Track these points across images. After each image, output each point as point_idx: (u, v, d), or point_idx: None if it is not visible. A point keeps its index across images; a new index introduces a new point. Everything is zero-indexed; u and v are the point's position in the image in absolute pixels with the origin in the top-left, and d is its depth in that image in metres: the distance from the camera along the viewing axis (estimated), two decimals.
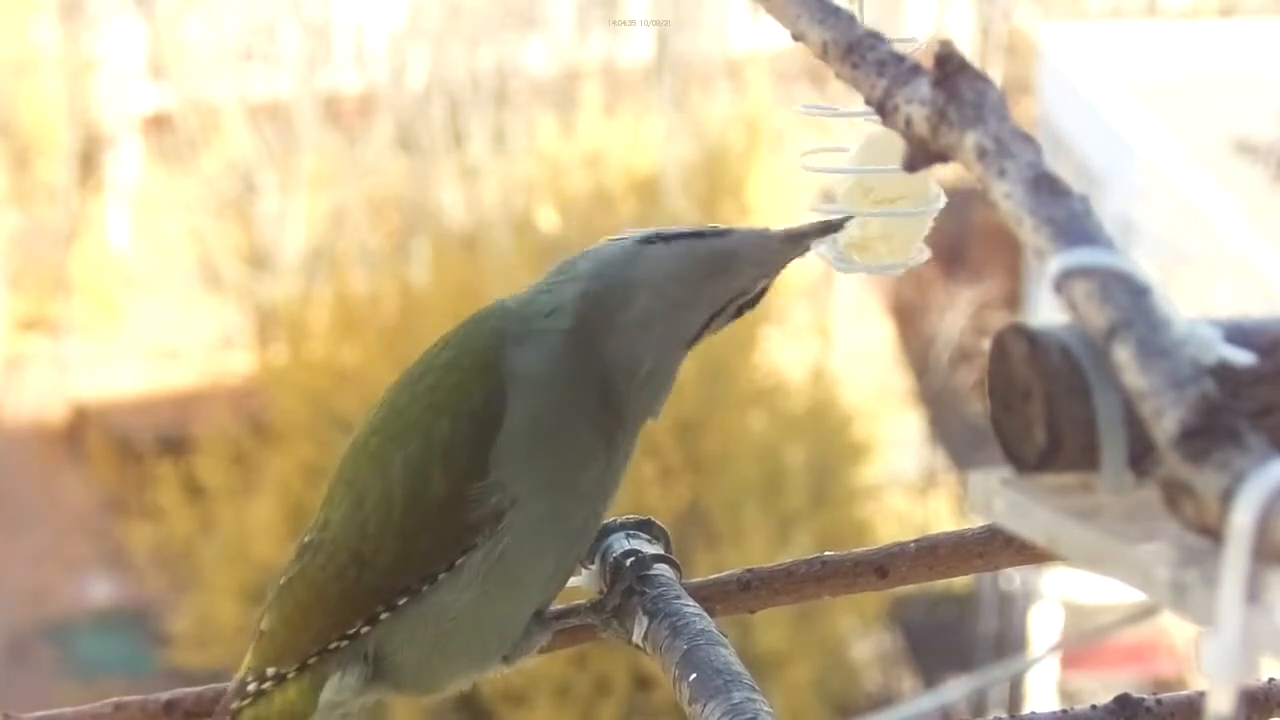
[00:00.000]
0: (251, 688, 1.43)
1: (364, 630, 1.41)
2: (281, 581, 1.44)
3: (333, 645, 1.41)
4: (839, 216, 1.39)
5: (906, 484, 13.88)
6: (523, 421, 1.37)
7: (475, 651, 1.43)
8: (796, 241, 1.39)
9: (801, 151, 1.44)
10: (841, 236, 1.41)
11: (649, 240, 1.40)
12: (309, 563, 1.42)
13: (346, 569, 1.40)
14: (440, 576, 1.39)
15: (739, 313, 1.43)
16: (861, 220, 1.40)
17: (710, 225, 1.42)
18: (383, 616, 1.40)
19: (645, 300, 1.39)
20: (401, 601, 1.40)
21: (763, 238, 1.40)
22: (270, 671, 1.43)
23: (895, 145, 1.36)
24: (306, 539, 1.43)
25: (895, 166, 1.36)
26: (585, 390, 1.39)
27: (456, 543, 1.38)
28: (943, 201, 1.41)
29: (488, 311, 1.42)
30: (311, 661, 1.42)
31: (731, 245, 1.40)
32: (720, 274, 1.39)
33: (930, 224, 1.41)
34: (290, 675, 1.43)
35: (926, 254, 1.42)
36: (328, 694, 1.43)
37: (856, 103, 1.38)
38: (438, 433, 1.38)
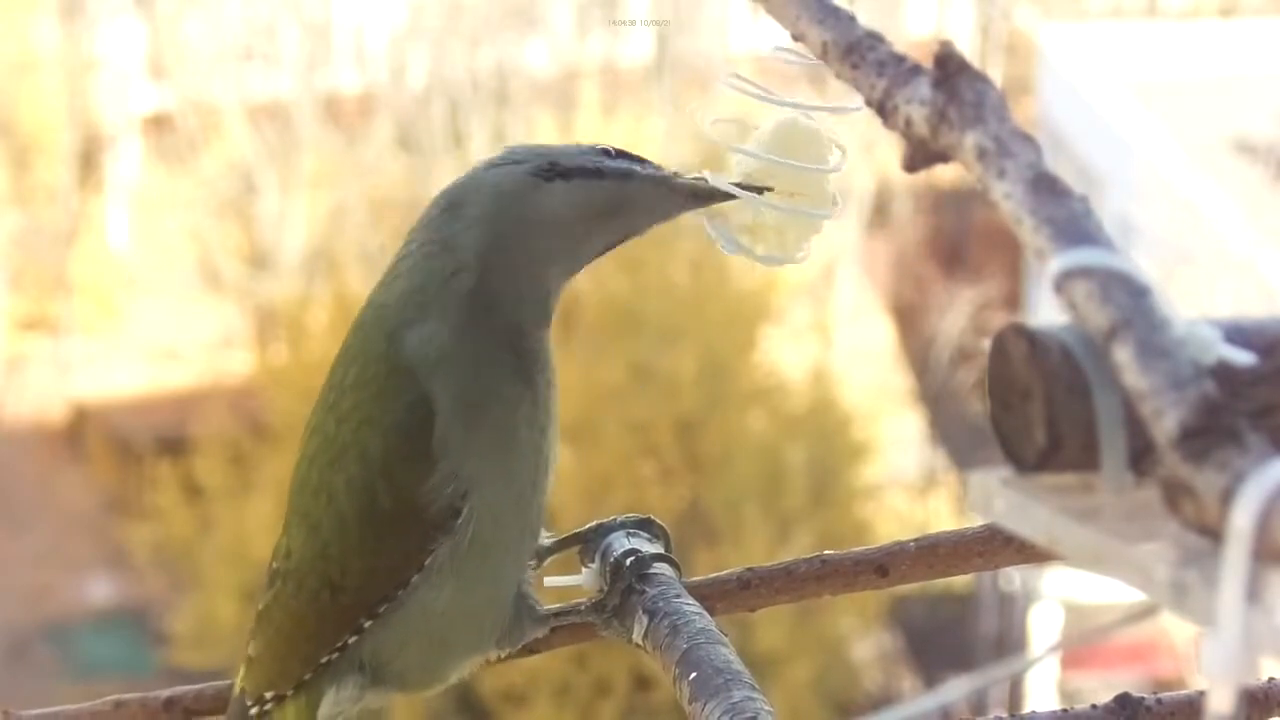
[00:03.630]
0: (254, 712, 1.43)
1: (352, 641, 1.41)
2: (260, 608, 1.44)
3: (324, 661, 1.41)
4: (740, 193, 1.37)
5: (906, 484, 13.88)
6: (450, 401, 1.36)
7: (469, 638, 1.43)
8: (698, 199, 1.39)
9: (713, 119, 1.42)
10: (735, 216, 1.39)
11: (544, 172, 1.38)
12: (280, 590, 1.42)
13: (319, 593, 1.40)
14: (414, 579, 1.39)
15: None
16: (758, 207, 1.38)
17: (604, 151, 1.40)
18: (367, 625, 1.40)
19: (547, 239, 1.38)
20: (382, 609, 1.40)
21: (664, 188, 1.39)
22: (268, 695, 1.43)
23: (806, 139, 1.38)
24: (274, 565, 1.43)
25: (800, 162, 1.37)
26: (487, 342, 1.37)
27: (421, 545, 1.38)
28: (838, 209, 1.40)
29: (366, 316, 1.40)
30: (306, 680, 1.42)
31: (632, 192, 1.38)
32: (618, 216, 1.39)
33: (821, 228, 1.40)
34: (287, 696, 1.43)
35: (807, 256, 1.41)
36: (325, 708, 1.43)
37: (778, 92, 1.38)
38: (372, 450, 1.37)
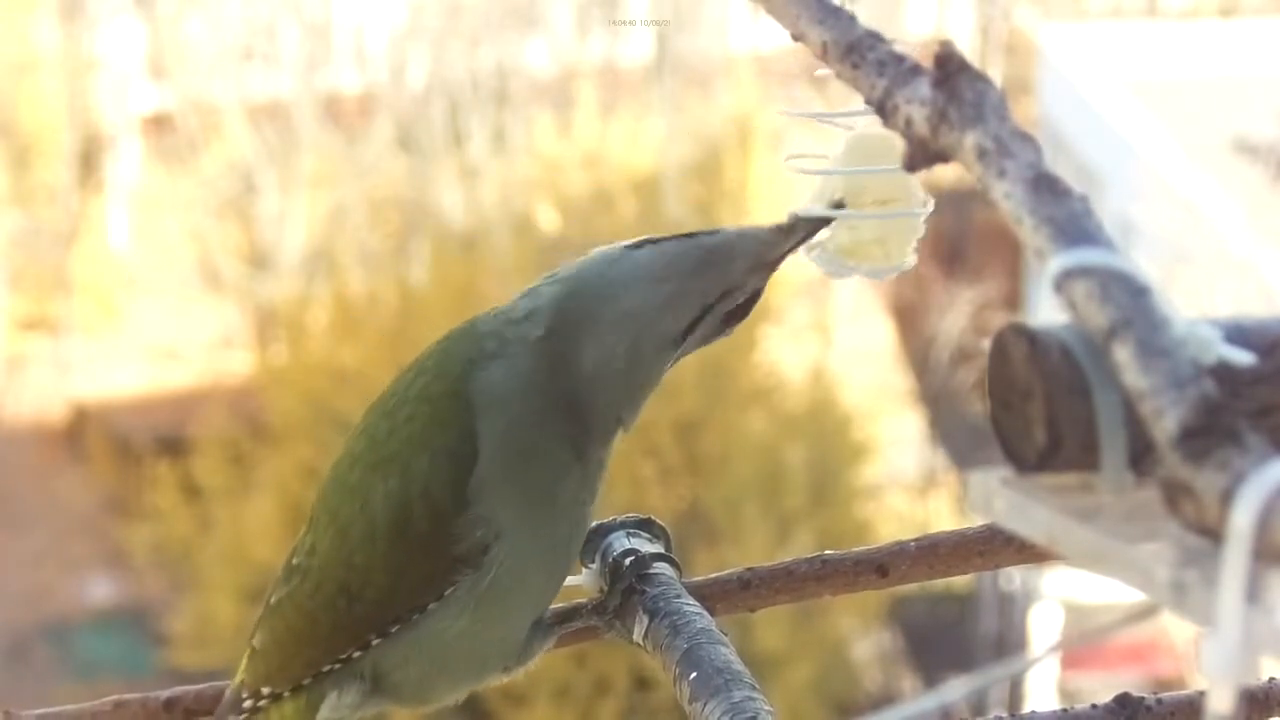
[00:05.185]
0: (247, 704, 1.43)
1: (357, 654, 1.41)
2: (272, 601, 1.43)
3: (327, 668, 1.41)
4: (832, 213, 1.37)
5: (906, 484, 13.88)
6: (495, 449, 1.36)
7: (474, 668, 1.43)
8: (787, 236, 1.37)
9: (786, 156, 1.41)
10: (832, 241, 1.38)
11: (638, 245, 1.38)
12: (298, 588, 1.41)
13: (335, 599, 1.39)
14: (430, 606, 1.38)
15: (730, 320, 1.40)
16: (853, 224, 1.37)
17: (702, 229, 1.40)
18: (375, 642, 1.40)
19: (625, 298, 1.36)
20: (394, 629, 1.39)
21: (752, 232, 1.38)
22: (265, 690, 1.42)
23: (881, 146, 1.36)
24: (295, 561, 1.42)
25: (883, 167, 1.36)
26: (551, 403, 1.36)
27: (443, 575, 1.37)
28: (931, 203, 1.39)
29: (462, 331, 1.40)
30: (307, 682, 1.42)
31: (720, 241, 1.37)
32: (708, 269, 1.36)
33: (923, 226, 1.39)
34: (286, 693, 1.42)
35: (914, 258, 1.40)
36: (325, 712, 1.42)
37: (848, 105, 1.37)
38: (416, 469, 1.36)
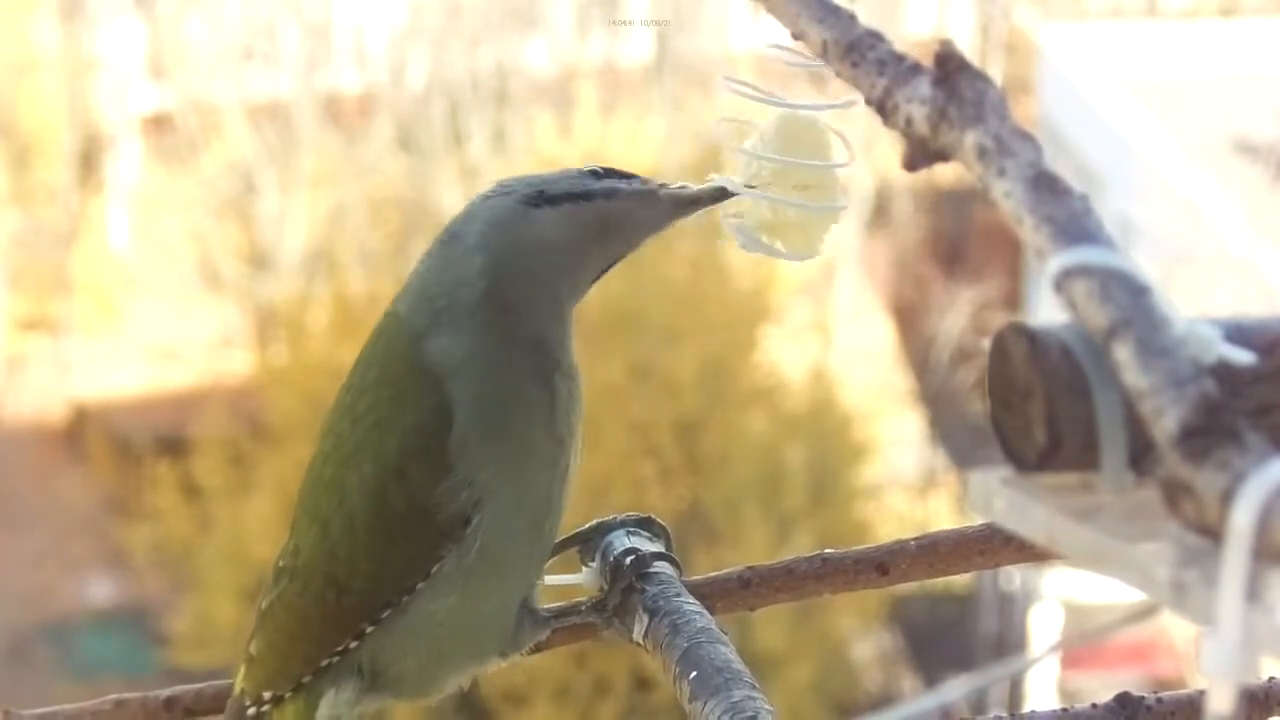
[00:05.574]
0: (250, 712, 1.43)
1: (353, 646, 1.41)
2: (263, 606, 1.44)
3: (324, 663, 1.42)
4: (747, 192, 1.38)
5: (906, 484, 13.88)
6: (471, 403, 1.37)
7: (470, 650, 1.43)
8: (685, 206, 1.41)
9: (717, 119, 1.43)
10: (753, 215, 1.39)
11: (532, 200, 1.40)
12: (286, 589, 1.42)
13: (324, 594, 1.40)
14: (419, 586, 1.39)
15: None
16: (773, 204, 1.39)
17: (593, 173, 1.42)
18: (369, 631, 1.40)
19: (544, 262, 1.39)
20: (385, 615, 1.40)
21: (650, 201, 1.40)
22: (266, 695, 1.43)
23: (810, 131, 1.38)
24: (281, 564, 1.44)
25: (809, 154, 1.37)
26: (508, 342, 1.39)
27: (428, 553, 1.38)
28: (847, 201, 1.40)
29: (386, 319, 1.42)
30: (305, 681, 1.42)
31: (619, 209, 1.40)
32: (608, 235, 1.41)
33: (840, 219, 1.41)
34: (286, 695, 1.43)
35: (822, 251, 1.41)
36: (324, 710, 1.43)
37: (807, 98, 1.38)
38: (387, 450, 1.38)
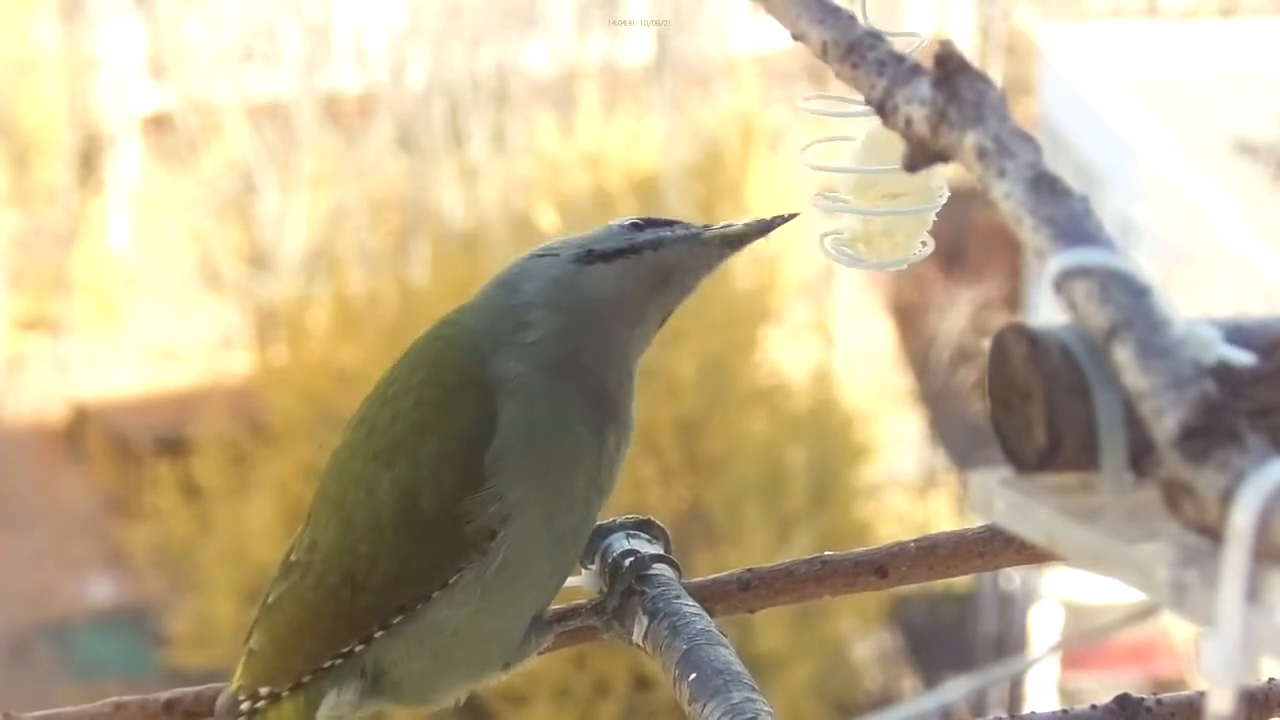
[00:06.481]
0: (245, 706, 1.42)
1: (359, 648, 1.41)
2: (269, 600, 1.43)
3: (327, 664, 1.41)
4: (842, 209, 1.38)
5: (906, 484, 13.87)
6: (517, 427, 1.37)
7: (475, 662, 1.43)
8: (733, 245, 1.42)
9: (802, 146, 1.43)
10: (845, 231, 1.40)
11: (584, 258, 1.41)
12: (297, 583, 1.41)
13: (339, 590, 1.39)
14: (435, 594, 1.39)
15: None
16: (864, 215, 1.39)
17: (634, 225, 1.43)
18: (377, 635, 1.40)
19: (601, 318, 1.41)
20: (396, 620, 1.39)
21: (698, 245, 1.42)
22: (263, 690, 1.42)
23: (897, 140, 1.36)
24: (293, 558, 1.42)
25: (897, 163, 1.36)
26: (573, 392, 1.39)
27: (451, 560, 1.38)
28: (946, 196, 1.40)
29: (447, 328, 1.43)
30: (306, 680, 1.42)
31: (669, 258, 1.41)
32: (663, 286, 1.42)
33: (933, 219, 1.41)
34: (284, 693, 1.42)
35: (930, 248, 1.41)
36: (324, 711, 1.42)
37: (858, 99, 1.37)
38: (425, 453, 1.38)
